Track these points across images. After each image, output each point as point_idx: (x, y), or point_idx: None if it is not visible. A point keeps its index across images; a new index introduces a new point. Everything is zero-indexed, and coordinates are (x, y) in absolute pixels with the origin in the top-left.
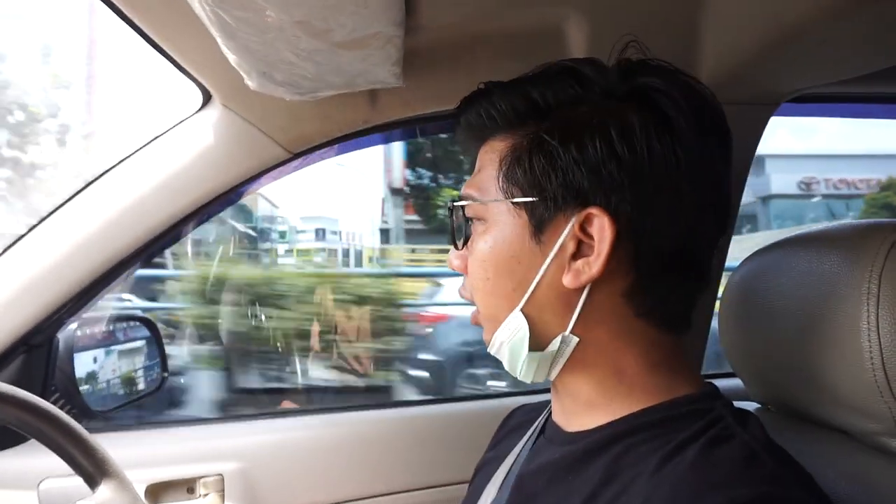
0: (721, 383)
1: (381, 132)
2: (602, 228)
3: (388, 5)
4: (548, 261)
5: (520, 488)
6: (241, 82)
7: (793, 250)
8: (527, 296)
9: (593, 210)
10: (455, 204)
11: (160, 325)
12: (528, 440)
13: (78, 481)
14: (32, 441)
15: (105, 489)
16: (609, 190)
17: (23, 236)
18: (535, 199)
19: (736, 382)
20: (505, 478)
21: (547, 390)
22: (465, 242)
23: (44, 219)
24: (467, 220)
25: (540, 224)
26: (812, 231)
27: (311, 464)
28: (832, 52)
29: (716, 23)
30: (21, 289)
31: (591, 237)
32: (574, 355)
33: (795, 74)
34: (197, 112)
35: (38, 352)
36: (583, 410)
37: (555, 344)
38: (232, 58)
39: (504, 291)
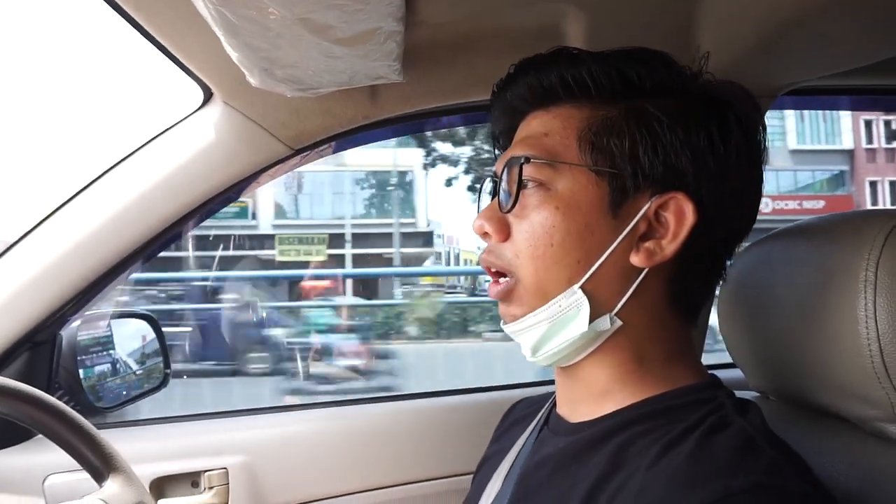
0: (721, 374)
1: (382, 128)
2: (682, 213)
3: (390, 2)
4: (621, 236)
5: (523, 481)
6: (243, 79)
7: (790, 240)
8: (592, 270)
9: (679, 194)
10: (512, 160)
11: None
12: (531, 432)
13: (84, 476)
14: (38, 437)
15: (112, 483)
16: (700, 178)
17: (26, 234)
18: (625, 171)
19: (736, 373)
20: (509, 471)
21: (547, 382)
22: (514, 205)
23: (47, 217)
24: (522, 181)
25: (620, 198)
26: (809, 221)
27: (314, 457)
28: (828, 46)
29: (712, 17)
30: (25, 286)
31: (661, 219)
32: (606, 339)
33: (791, 68)
34: (198, 109)
35: (42, 349)
36: (592, 399)
37: (604, 322)
38: (234, 55)
39: (568, 262)
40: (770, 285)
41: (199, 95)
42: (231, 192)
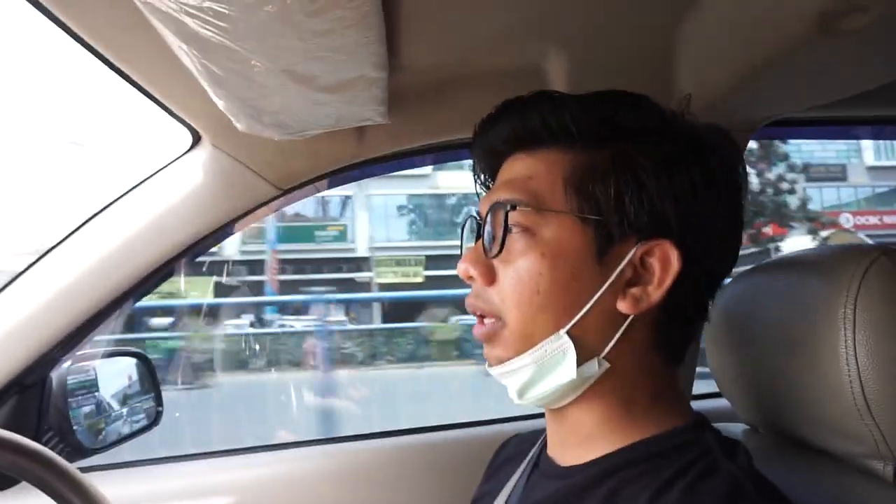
0: (710, 404)
1: (370, 166)
2: (668, 260)
3: (371, 51)
4: (607, 283)
5: None
6: (230, 123)
7: (773, 274)
8: (578, 316)
9: (664, 241)
10: (497, 205)
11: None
12: (521, 474)
13: None
14: (23, 483)
15: None
16: (684, 224)
17: (16, 277)
18: (611, 219)
19: (725, 403)
20: None
21: (537, 416)
22: (500, 251)
23: (37, 260)
24: (508, 227)
25: (606, 245)
26: (792, 254)
27: (306, 496)
28: (805, 81)
29: (690, 56)
30: (13, 329)
31: (646, 265)
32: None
33: (770, 102)
34: (187, 152)
35: (31, 392)
36: (581, 442)
37: (591, 367)
38: (220, 103)
39: (554, 309)
40: (755, 318)
41: (188, 138)
42: (221, 233)
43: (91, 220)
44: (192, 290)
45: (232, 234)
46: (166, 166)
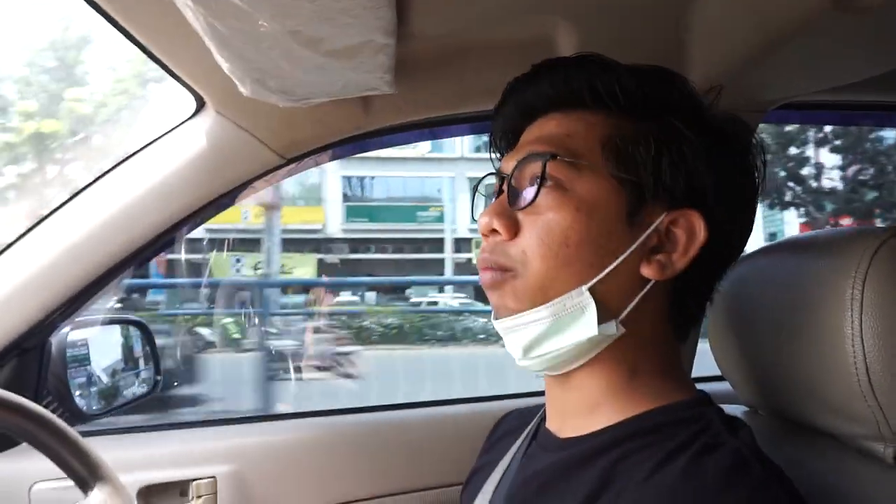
0: (710, 387)
1: (374, 137)
2: (693, 230)
3: (380, 16)
4: (634, 245)
5: (511, 497)
6: (235, 89)
7: (779, 256)
8: (602, 274)
9: (692, 211)
10: (533, 156)
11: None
12: (519, 446)
13: (70, 484)
14: (24, 444)
15: (98, 493)
16: (717, 198)
17: (16, 240)
18: (646, 182)
19: (725, 386)
20: (497, 485)
21: (537, 393)
22: (534, 198)
23: (37, 223)
24: (544, 177)
25: (637, 208)
26: (798, 237)
27: (303, 467)
28: (817, 62)
29: (702, 33)
30: (13, 292)
31: (670, 234)
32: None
33: (781, 84)
34: (190, 118)
35: (31, 355)
36: (583, 412)
37: (610, 328)
38: (225, 65)
39: (581, 264)
40: (759, 300)
41: (192, 104)
42: (223, 200)
43: (93, 184)
44: (296, 265)
45: (233, 203)
46: (169, 132)
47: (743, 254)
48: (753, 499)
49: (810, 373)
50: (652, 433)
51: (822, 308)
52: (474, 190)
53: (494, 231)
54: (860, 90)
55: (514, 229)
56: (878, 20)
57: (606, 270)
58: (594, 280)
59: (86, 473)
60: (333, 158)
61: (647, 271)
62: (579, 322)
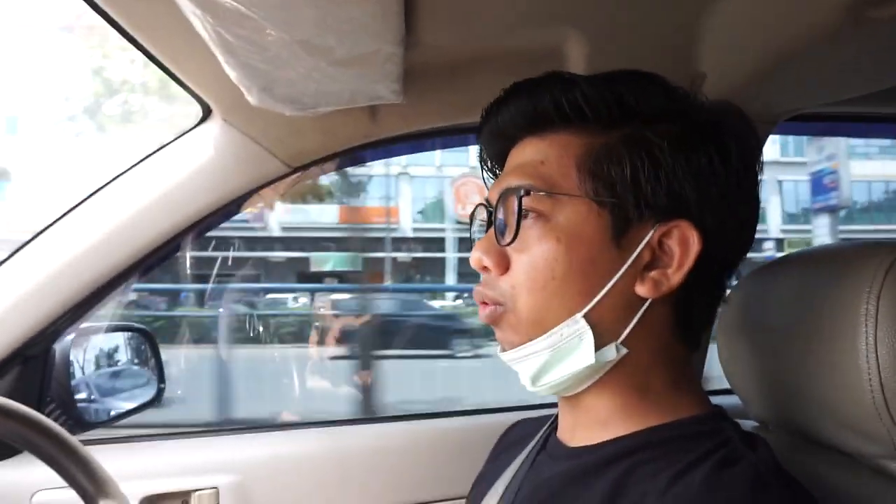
0: (718, 400)
1: (381, 147)
2: (687, 241)
3: (388, 25)
4: (625, 267)
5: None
6: (242, 97)
7: (791, 269)
8: (594, 301)
9: (683, 222)
10: (509, 191)
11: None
12: (527, 455)
13: (72, 494)
14: (25, 452)
15: None
16: (703, 204)
17: (21, 247)
18: (627, 200)
19: (733, 399)
20: (503, 493)
21: (546, 405)
22: (514, 238)
23: (43, 230)
24: (521, 212)
25: (623, 227)
26: (810, 250)
27: (307, 477)
28: (828, 74)
29: (712, 43)
30: (18, 300)
31: (664, 247)
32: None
33: (792, 95)
34: (197, 126)
35: (35, 363)
36: (594, 426)
37: (610, 352)
38: (233, 74)
39: (571, 293)
40: (771, 314)
41: (199, 112)
42: (229, 209)
43: (99, 192)
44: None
45: (238, 212)
46: (175, 140)
47: (753, 265)
48: None
49: (823, 389)
50: (665, 445)
51: (835, 323)
52: (471, 219)
53: (486, 268)
54: (872, 102)
55: (504, 264)
56: (892, 32)
57: (598, 297)
58: (587, 308)
59: (92, 489)
60: (340, 167)
61: (641, 290)
62: (578, 350)
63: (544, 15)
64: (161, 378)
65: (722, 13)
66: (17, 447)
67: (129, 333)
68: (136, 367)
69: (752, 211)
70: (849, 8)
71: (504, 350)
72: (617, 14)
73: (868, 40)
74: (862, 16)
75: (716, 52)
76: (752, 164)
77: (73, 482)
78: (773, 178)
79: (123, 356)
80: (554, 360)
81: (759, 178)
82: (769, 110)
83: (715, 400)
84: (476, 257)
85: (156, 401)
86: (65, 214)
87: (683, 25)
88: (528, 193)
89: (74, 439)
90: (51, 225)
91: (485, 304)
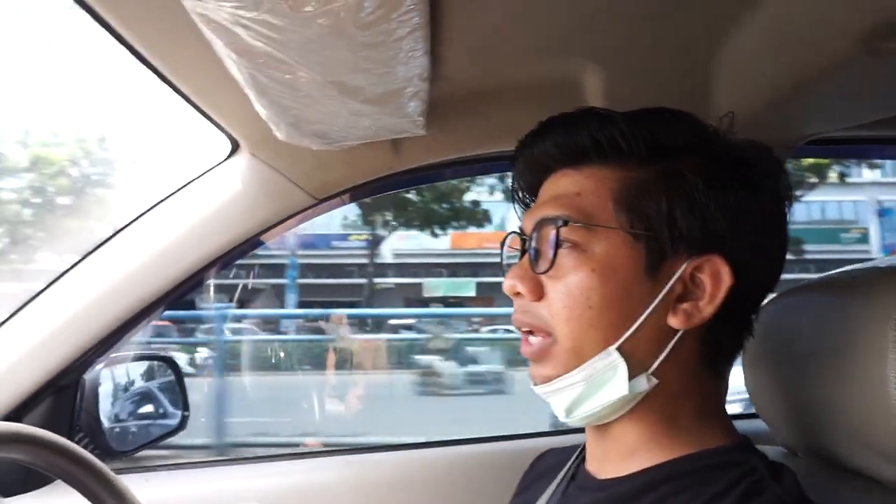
0: (743, 425)
1: (405, 177)
2: (719, 275)
3: (416, 63)
4: (658, 298)
5: None
6: (269, 133)
7: (816, 294)
8: (629, 332)
9: (715, 256)
10: (546, 221)
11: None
12: (557, 486)
13: None
14: (54, 483)
15: None
16: (735, 239)
17: (55, 280)
18: (662, 234)
19: (758, 424)
20: None
21: (573, 431)
22: (550, 266)
23: (76, 263)
24: (559, 242)
25: (657, 260)
26: (834, 274)
27: None
28: (846, 99)
29: (729, 73)
30: (52, 332)
31: (696, 280)
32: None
33: (810, 120)
34: (225, 160)
35: (66, 393)
36: (622, 457)
37: (641, 383)
38: (263, 112)
39: (606, 324)
40: (797, 339)
41: (227, 146)
42: (255, 240)
43: (129, 226)
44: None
45: (262, 243)
46: (204, 174)
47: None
48: None
49: (851, 415)
50: (691, 475)
51: (862, 348)
52: (502, 245)
53: (519, 293)
54: (892, 125)
55: (539, 292)
56: None
57: (633, 328)
58: (621, 339)
59: None
60: (362, 197)
61: (674, 322)
62: (612, 382)
63: (562, 48)
64: (185, 406)
65: (737, 44)
66: (52, 477)
67: (155, 361)
68: (160, 395)
69: (780, 245)
70: (863, 40)
71: (537, 384)
72: (633, 46)
73: (882, 68)
74: (875, 47)
75: (731, 81)
76: (780, 201)
77: None
78: (874, 198)
79: (149, 385)
80: (588, 392)
81: (787, 212)
82: (787, 135)
83: (741, 424)
84: (510, 284)
85: (180, 428)
86: (97, 247)
87: (700, 56)
88: (565, 224)
89: (110, 471)
90: (83, 258)
91: (527, 335)
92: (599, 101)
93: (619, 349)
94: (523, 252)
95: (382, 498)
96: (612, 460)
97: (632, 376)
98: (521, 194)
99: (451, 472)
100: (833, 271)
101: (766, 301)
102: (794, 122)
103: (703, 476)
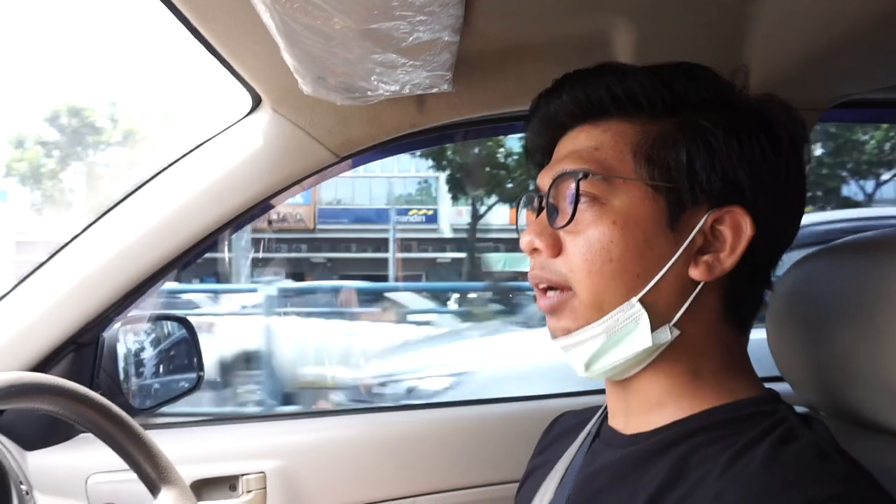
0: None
1: (428, 135)
2: (739, 227)
3: (450, 13)
4: (680, 250)
5: (581, 489)
6: (292, 87)
7: (846, 255)
8: (651, 284)
9: (736, 208)
10: (565, 175)
11: None
12: (581, 445)
13: (126, 476)
14: (80, 436)
15: (167, 495)
16: (756, 191)
17: (74, 238)
18: (682, 185)
19: (781, 386)
20: (561, 480)
21: (590, 392)
22: (570, 220)
23: (95, 221)
24: (578, 195)
25: (677, 212)
26: (865, 236)
27: (352, 463)
28: (881, 59)
29: (763, 29)
30: (72, 289)
31: (716, 232)
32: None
33: (843, 80)
34: (246, 116)
35: (86, 350)
36: (647, 411)
37: (664, 334)
38: (291, 63)
39: (627, 276)
40: (825, 300)
41: (248, 102)
42: (275, 198)
43: (149, 182)
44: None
45: (280, 202)
46: (225, 130)
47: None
48: (847, 493)
49: (879, 372)
50: (722, 427)
51: (891, 308)
52: (517, 203)
53: (537, 250)
54: None
55: (557, 247)
56: None
57: (655, 280)
58: (643, 291)
59: (156, 476)
60: (385, 156)
61: (695, 273)
62: (634, 334)
63: (592, 2)
64: (200, 366)
65: (770, 1)
66: (70, 427)
67: (171, 322)
68: (177, 355)
69: (800, 198)
70: None
71: (556, 337)
72: (664, 1)
73: None
74: None
75: (764, 39)
76: (800, 154)
77: (137, 468)
78: None
79: (165, 345)
80: (609, 345)
81: (806, 166)
82: (816, 97)
83: None
84: (527, 240)
85: (195, 388)
86: (116, 205)
87: (731, 12)
88: (585, 177)
89: (141, 429)
90: (102, 216)
91: (544, 291)
92: (629, 57)
93: (641, 301)
94: (540, 210)
95: (402, 454)
96: (638, 414)
97: (654, 328)
98: (535, 154)
99: (469, 432)
100: (862, 234)
101: (792, 263)
102: (826, 82)
103: (735, 427)
